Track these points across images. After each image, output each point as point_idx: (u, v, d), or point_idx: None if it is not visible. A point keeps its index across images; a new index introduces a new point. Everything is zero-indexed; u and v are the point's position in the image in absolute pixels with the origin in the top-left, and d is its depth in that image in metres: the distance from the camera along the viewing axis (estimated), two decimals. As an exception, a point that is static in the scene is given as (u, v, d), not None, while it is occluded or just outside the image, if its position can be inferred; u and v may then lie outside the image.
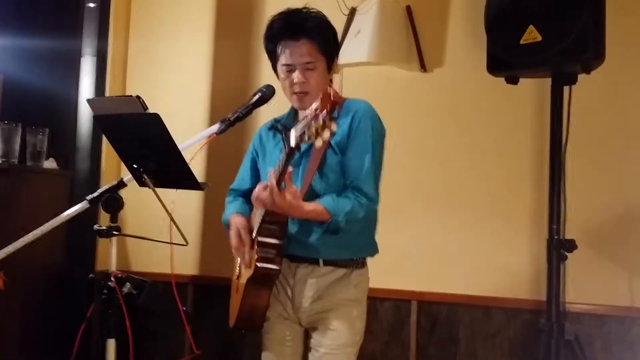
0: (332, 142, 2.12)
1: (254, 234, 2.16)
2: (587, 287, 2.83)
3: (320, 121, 1.65)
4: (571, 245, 2.55)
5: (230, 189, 2.45)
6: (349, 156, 2.14)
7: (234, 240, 2.21)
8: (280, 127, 2.24)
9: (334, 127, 1.67)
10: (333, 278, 2.17)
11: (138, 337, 2.12)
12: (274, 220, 2.10)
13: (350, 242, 2.17)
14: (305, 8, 2.21)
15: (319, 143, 1.68)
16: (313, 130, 1.66)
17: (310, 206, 2.03)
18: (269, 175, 1.97)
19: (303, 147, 1.83)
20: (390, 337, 3.17)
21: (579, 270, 2.73)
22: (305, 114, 1.71)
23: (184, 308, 2.24)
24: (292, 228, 2.15)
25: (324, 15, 2.24)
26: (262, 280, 2.13)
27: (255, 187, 2.28)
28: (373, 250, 2.28)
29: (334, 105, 1.72)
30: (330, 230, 2.06)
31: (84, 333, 2.08)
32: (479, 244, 3.07)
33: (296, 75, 2.15)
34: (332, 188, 2.13)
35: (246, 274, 2.17)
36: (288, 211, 2.00)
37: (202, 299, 3.53)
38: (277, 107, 2.35)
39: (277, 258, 2.12)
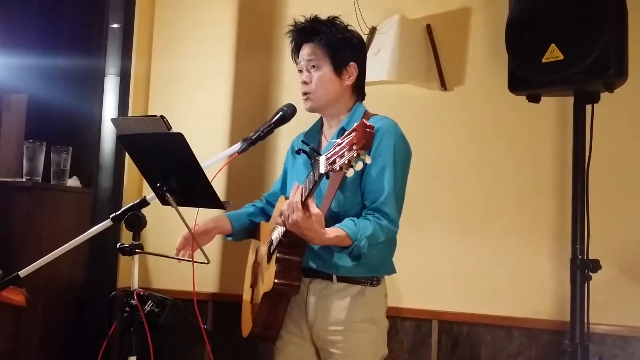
0: None
1: (272, 248, 2.15)
2: (611, 307, 2.79)
3: (355, 153, 1.61)
4: (595, 266, 2.51)
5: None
6: (369, 175, 2.10)
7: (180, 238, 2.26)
8: (308, 150, 2.13)
9: (368, 159, 1.63)
10: (347, 295, 2.13)
11: (158, 354, 2.11)
12: (296, 237, 2.05)
13: (366, 260, 2.11)
14: (315, 16, 2.23)
15: (350, 173, 1.64)
16: (346, 160, 1.62)
17: (332, 233, 1.97)
18: (292, 190, 1.93)
19: None
20: (411, 357, 3.14)
21: (603, 290, 2.68)
22: (338, 141, 1.68)
23: (205, 326, 2.22)
24: None
25: (339, 22, 2.22)
26: (279, 296, 2.11)
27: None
28: (389, 270, 2.24)
29: (371, 138, 1.64)
30: (353, 256, 2.00)
31: (105, 350, 2.08)
32: (499, 262, 3.05)
33: (301, 76, 2.20)
34: (348, 205, 2.12)
35: (263, 288, 2.15)
36: (308, 234, 1.92)
37: (222, 316, 3.53)
38: (299, 125, 2.37)
39: (296, 274, 2.09)
